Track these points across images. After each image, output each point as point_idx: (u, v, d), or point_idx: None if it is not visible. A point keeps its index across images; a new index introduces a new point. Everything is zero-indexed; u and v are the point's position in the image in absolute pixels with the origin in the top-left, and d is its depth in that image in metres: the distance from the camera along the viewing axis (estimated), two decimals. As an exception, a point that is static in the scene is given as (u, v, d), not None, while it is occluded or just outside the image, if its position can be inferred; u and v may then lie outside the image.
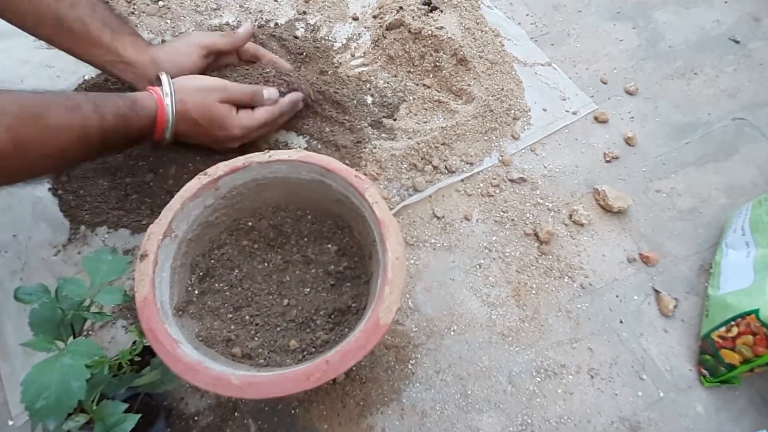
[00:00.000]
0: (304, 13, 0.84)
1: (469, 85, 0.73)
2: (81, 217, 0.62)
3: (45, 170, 0.53)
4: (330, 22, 0.83)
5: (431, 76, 0.75)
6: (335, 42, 0.81)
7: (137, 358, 0.45)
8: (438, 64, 0.74)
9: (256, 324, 0.50)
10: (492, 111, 0.72)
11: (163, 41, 0.78)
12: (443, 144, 0.69)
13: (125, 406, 0.40)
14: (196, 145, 0.62)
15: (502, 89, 0.75)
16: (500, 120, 0.73)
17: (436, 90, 0.74)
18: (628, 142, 0.73)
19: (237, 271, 0.53)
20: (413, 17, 0.76)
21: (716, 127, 0.75)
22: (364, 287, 0.51)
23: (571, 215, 0.66)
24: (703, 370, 0.55)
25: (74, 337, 0.42)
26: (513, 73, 0.78)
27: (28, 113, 0.47)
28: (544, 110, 0.75)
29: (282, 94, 0.64)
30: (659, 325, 0.59)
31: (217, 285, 0.51)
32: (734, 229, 0.61)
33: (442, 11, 0.77)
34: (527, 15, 0.87)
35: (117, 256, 0.46)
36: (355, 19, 0.84)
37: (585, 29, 0.86)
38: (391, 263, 0.43)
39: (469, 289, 0.60)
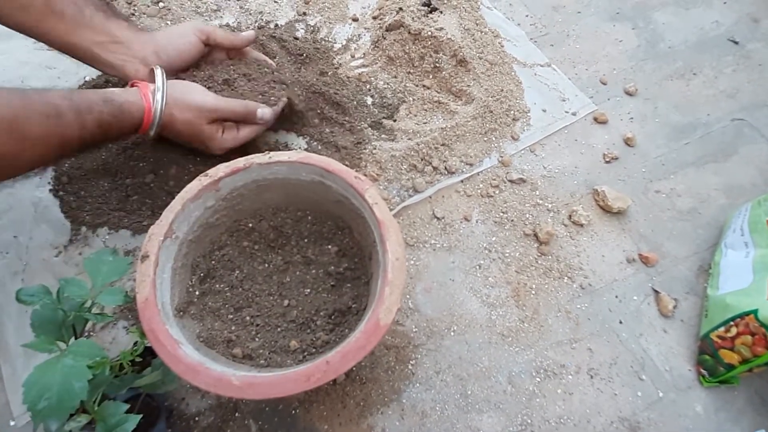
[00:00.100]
0: (304, 14, 0.84)
1: (468, 86, 0.73)
2: (82, 218, 0.62)
3: (17, 174, 0.52)
4: (330, 23, 0.83)
5: (431, 77, 0.75)
6: (335, 43, 0.81)
7: (138, 359, 0.45)
8: (438, 65, 0.74)
9: (257, 325, 0.50)
10: (492, 112, 0.72)
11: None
12: (443, 145, 0.69)
13: (126, 406, 0.40)
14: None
15: (502, 90, 0.75)
16: (500, 121, 0.73)
17: (436, 91, 0.74)
18: (628, 142, 0.73)
19: (237, 272, 0.53)
20: (413, 18, 0.76)
21: (715, 128, 0.75)
22: (365, 288, 0.51)
23: (570, 216, 0.66)
24: (703, 370, 0.55)
25: (76, 338, 0.42)
26: (512, 73, 0.78)
27: (3, 126, 0.45)
28: (544, 111, 0.75)
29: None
30: (659, 325, 0.59)
31: (217, 286, 0.51)
32: (733, 230, 0.61)
33: (441, 12, 0.77)
34: (527, 16, 0.87)
35: (118, 257, 0.46)
36: (355, 20, 0.84)
37: (584, 30, 0.86)
38: (391, 264, 0.43)
39: (468, 290, 0.60)
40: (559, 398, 0.54)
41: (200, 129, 0.58)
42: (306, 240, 0.55)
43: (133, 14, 0.81)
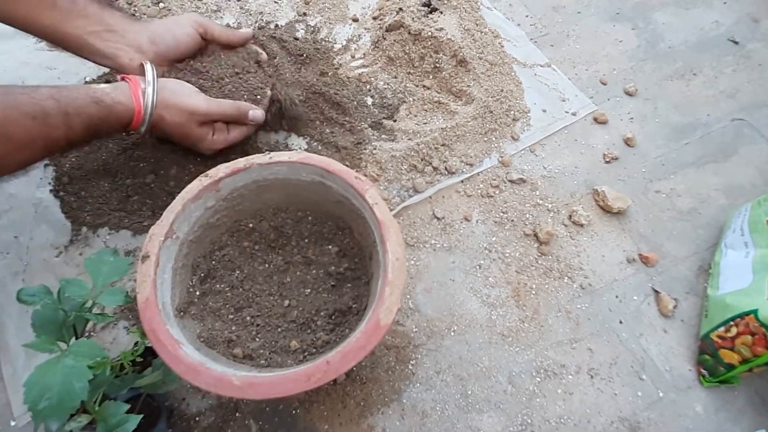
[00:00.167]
0: (305, 14, 0.84)
1: (468, 86, 0.73)
2: (82, 218, 0.62)
3: (2, 175, 0.52)
4: (330, 23, 0.83)
5: (431, 77, 0.75)
6: (335, 43, 0.81)
7: (139, 359, 0.45)
8: (438, 65, 0.74)
9: (257, 325, 0.50)
10: (492, 112, 0.72)
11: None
12: (443, 145, 0.69)
13: (127, 406, 0.40)
14: None
15: (502, 90, 0.75)
16: (500, 121, 0.73)
17: (436, 91, 0.74)
18: (628, 142, 0.73)
19: (238, 272, 0.53)
20: (413, 18, 0.76)
21: (715, 128, 0.75)
22: (365, 288, 0.51)
23: (570, 216, 0.66)
24: (703, 370, 0.55)
25: (76, 338, 0.42)
26: (512, 74, 0.78)
27: None
28: (544, 111, 0.75)
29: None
30: (659, 325, 0.59)
31: (218, 286, 0.51)
32: (733, 230, 0.61)
33: (441, 12, 0.77)
34: (527, 16, 0.88)
35: (118, 258, 0.46)
36: (355, 20, 0.84)
37: (584, 30, 0.86)
38: (391, 264, 0.43)
39: (469, 290, 0.61)
40: (559, 398, 0.54)
41: (190, 131, 0.58)
42: (306, 240, 0.56)
43: (133, 14, 0.81)
